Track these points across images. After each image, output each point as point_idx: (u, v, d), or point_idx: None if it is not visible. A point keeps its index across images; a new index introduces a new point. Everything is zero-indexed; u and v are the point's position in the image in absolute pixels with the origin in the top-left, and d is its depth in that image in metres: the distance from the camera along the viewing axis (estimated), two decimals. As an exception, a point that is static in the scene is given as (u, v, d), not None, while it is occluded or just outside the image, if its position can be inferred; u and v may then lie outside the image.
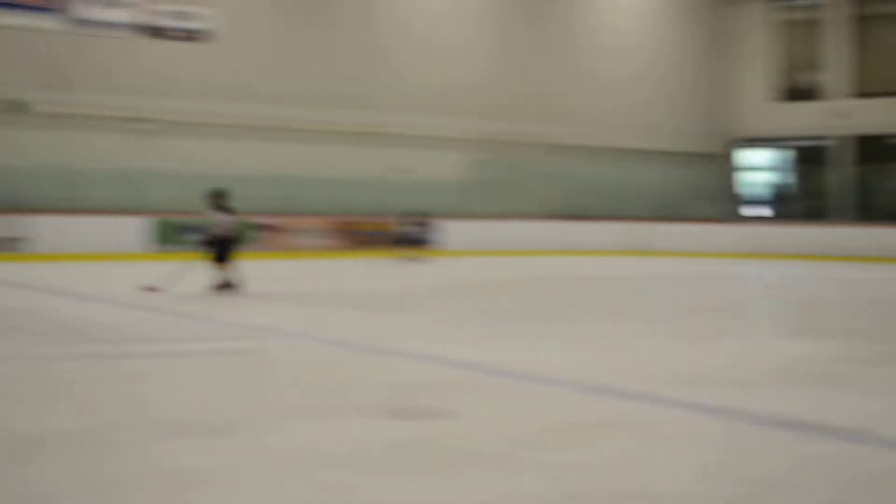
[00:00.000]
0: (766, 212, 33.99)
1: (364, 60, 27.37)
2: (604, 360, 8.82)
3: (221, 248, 14.49)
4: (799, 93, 33.52)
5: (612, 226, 29.33)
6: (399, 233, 24.63)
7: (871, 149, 31.66)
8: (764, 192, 34.89)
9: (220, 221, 14.60)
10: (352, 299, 14.32)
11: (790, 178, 34.95)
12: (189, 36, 24.02)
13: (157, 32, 23.62)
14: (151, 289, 13.84)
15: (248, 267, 20.31)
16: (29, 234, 21.22)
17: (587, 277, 20.03)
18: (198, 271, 14.65)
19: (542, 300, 15.20)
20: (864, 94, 31.91)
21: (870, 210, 30.34)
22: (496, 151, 29.33)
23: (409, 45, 28.22)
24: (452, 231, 26.69)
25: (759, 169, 35.26)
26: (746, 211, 33.96)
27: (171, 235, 22.51)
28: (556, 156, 30.48)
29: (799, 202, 33.03)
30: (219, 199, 14.86)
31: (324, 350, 9.42)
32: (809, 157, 33.57)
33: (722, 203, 32.74)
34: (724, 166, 34.22)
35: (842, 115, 31.57)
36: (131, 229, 22.20)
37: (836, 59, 32.43)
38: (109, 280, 16.81)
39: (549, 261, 24.25)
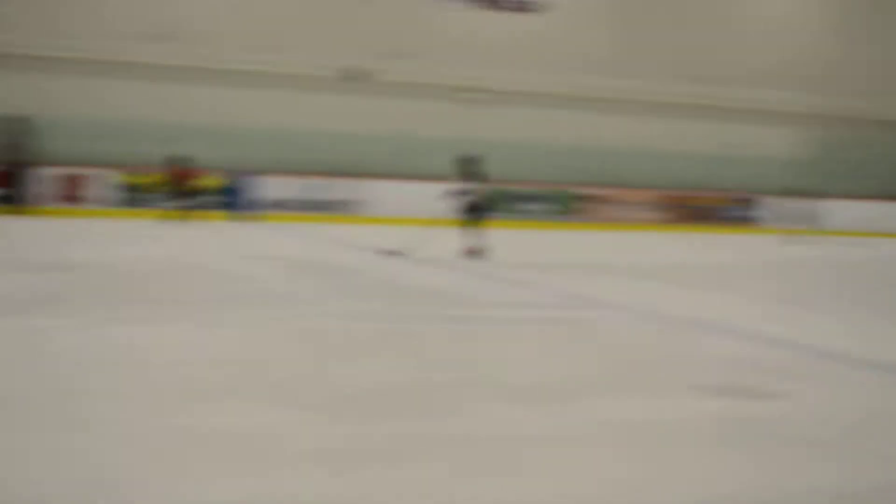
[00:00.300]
0: None
1: (697, 32, 26.60)
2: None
3: (474, 213, 14.82)
4: None
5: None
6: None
7: None
8: None
9: (472, 188, 14.85)
10: (682, 274, 13.97)
11: None
12: (523, 7, 24.24)
13: (493, 3, 24.01)
14: (392, 252, 14.22)
15: (571, 238, 20.48)
16: (365, 197, 22.29)
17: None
18: (447, 236, 14.95)
19: (871, 284, 14.20)
20: None
21: None
22: (829, 127, 27.70)
23: (742, 16, 27.14)
24: (777, 207, 25.49)
25: None
26: None
27: (496, 204, 22.90)
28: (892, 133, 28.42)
29: None
30: (470, 166, 14.98)
31: (648, 323, 9.20)
32: None
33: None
34: None
35: None
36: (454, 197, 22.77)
37: None
38: (438, 245, 17.32)
39: (884, 243, 22.63)
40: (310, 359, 6.79)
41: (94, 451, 4.40)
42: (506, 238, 19.46)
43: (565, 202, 24.08)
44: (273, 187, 21.48)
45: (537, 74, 24.81)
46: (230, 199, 21.23)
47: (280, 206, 21.60)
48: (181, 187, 19.29)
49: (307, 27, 23.17)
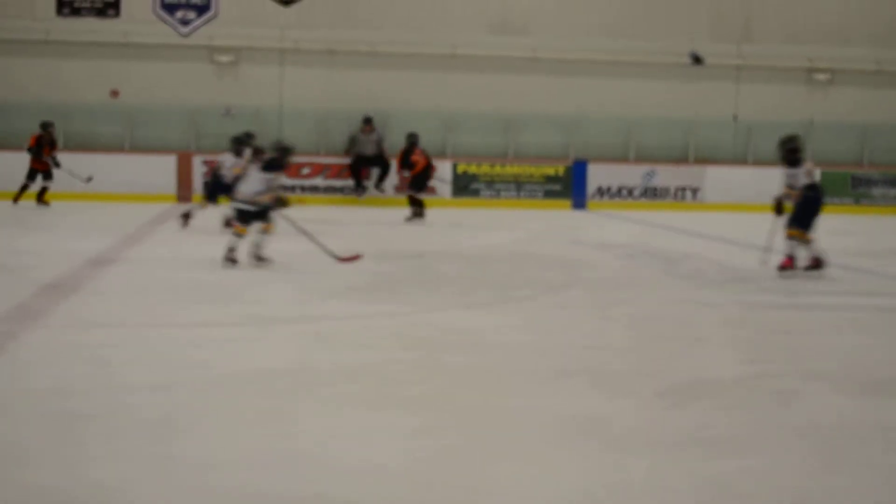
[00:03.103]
0: None
1: None
2: None
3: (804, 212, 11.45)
4: None
5: None
6: None
7: None
8: None
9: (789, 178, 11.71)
10: None
11: None
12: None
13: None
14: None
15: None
16: (701, 183, 22.20)
17: None
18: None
19: None
20: None
21: None
22: None
23: None
24: None
25: None
26: None
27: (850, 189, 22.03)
28: None
29: None
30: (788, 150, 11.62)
31: None
32: None
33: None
34: None
35: None
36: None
37: None
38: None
39: None
40: (648, 345, 7.14)
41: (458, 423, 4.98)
42: (852, 224, 18.81)
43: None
44: (607, 175, 21.81)
45: (886, 51, 23.54)
46: (569, 188, 21.76)
47: (613, 193, 21.92)
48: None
49: (646, 13, 23.24)
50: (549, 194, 21.58)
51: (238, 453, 4.32)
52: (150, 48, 21.40)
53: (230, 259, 10.50)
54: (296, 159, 17.69)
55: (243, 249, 10.57)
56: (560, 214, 19.53)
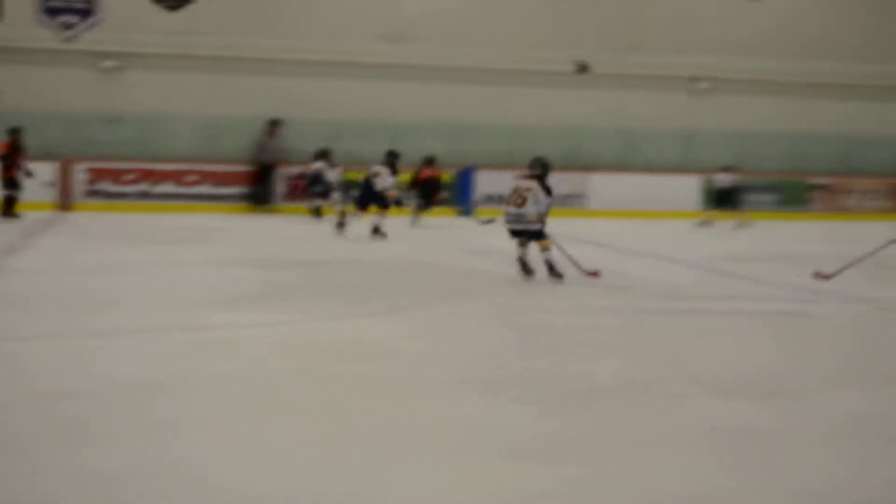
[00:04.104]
0: None
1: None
2: None
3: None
4: None
5: None
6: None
7: None
8: None
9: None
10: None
11: None
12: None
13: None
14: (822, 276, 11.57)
15: (806, 228, 20.08)
16: (586, 190, 22.54)
17: None
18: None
19: None
20: None
21: None
22: None
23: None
24: None
25: None
26: None
27: (738, 196, 22.54)
28: None
29: None
30: None
31: (879, 318, 9.13)
32: None
33: None
34: None
35: None
36: (683, 189, 22.65)
37: None
38: (661, 238, 17.40)
39: None
40: (539, 353, 7.22)
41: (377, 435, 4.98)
42: (736, 231, 19.29)
43: (798, 192, 23.56)
44: (491, 182, 21.94)
45: (764, 61, 24.26)
46: (456, 195, 21.84)
47: (501, 201, 22.08)
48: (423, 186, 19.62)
49: (535, 21, 23.52)
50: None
51: (118, 465, 4.24)
52: (32, 53, 20.82)
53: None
54: (181, 167, 17.49)
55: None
56: (448, 222, 19.61)
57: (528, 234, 10.94)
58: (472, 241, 15.82)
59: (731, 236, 17.86)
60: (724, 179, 20.69)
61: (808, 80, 24.52)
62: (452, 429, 4.97)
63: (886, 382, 6.27)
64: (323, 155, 19.40)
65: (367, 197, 16.05)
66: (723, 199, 20.60)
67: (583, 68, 23.37)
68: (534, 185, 10.96)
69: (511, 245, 11.00)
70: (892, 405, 5.70)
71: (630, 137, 23.54)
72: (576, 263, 10.98)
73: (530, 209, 10.84)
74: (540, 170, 11.17)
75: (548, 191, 10.99)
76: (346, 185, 19.55)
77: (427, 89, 22.69)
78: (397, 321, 8.28)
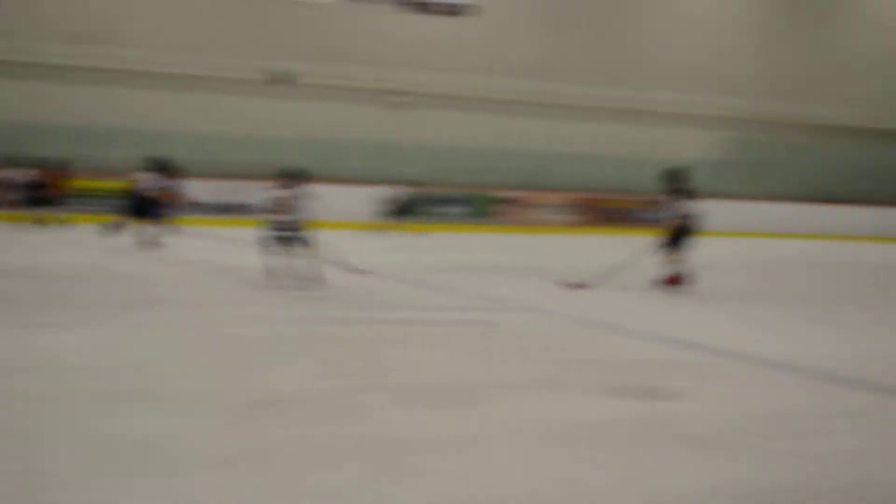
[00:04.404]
0: None
1: (622, 37, 27.10)
2: (841, 347, 8.49)
3: (674, 238, 12.50)
4: None
5: (866, 210, 27.91)
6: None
7: None
8: None
9: (677, 208, 12.58)
10: (591, 275, 14.29)
11: None
12: (452, 10, 24.39)
13: (422, 7, 24.13)
14: (578, 286, 12.21)
15: (489, 240, 20.77)
16: (255, 201, 22.36)
17: (833, 262, 19.22)
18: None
19: (782, 284, 14.71)
20: None
21: None
22: (749, 131, 28.40)
23: (668, 19, 27.69)
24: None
25: None
26: None
27: (419, 207, 23.02)
28: (813, 137, 29.22)
29: None
30: (676, 182, 12.74)
31: (560, 325, 9.49)
32: None
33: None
34: None
35: None
36: (379, 200, 22.90)
37: None
38: (357, 248, 17.49)
39: (796, 244, 23.36)
40: (223, 364, 6.97)
41: (13, 456, 4.56)
42: (423, 241, 19.69)
43: (483, 205, 24.40)
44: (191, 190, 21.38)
45: (462, 77, 25.07)
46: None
47: (197, 209, 21.53)
48: (49, 190, 18.68)
49: (232, 29, 23.16)
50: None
51: None
52: None
53: None
54: None
55: None
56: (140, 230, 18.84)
57: (295, 240, 11.40)
58: (161, 251, 15.24)
59: (421, 247, 18.20)
60: (403, 192, 21.43)
61: (501, 98, 25.52)
62: (118, 445, 4.66)
63: (565, 388, 6.48)
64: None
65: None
66: (403, 211, 21.33)
67: (281, 79, 23.19)
68: (295, 193, 11.55)
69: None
70: (573, 410, 5.87)
71: (324, 147, 23.56)
72: (342, 265, 11.70)
73: (297, 216, 11.43)
74: (300, 180, 11.72)
75: (308, 198, 11.61)
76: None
77: (127, 94, 21.80)
78: (73, 332, 7.76)
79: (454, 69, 25.03)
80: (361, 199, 22.51)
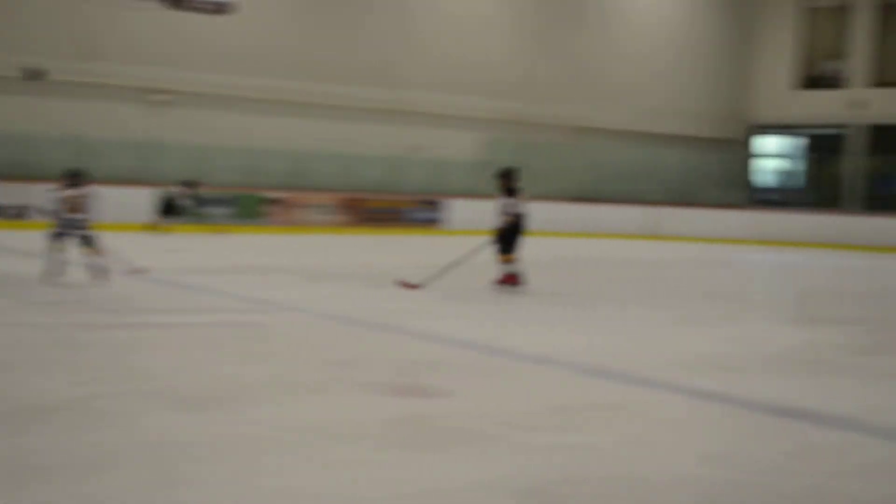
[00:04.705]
0: (780, 199, 33.84)
1: (382, 36, 27.27)
2: (607, 342, 8.88)
3: (506, 237, 12.84)
4: (819, 81, 33.27)
5: (627, 209, 29.34)
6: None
7: (888, 138, 31.43)
8: (778, 179, 34.78)
9: (508, 206, 12.94)
10: (359, 275, 14.37)
11: (803, 167, 34.82)
12: (214, 8, 23.85)
13: (182, 4, 23.46)
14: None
15: (256, 241, 20.52)
16: (41, 202, 21.31)
17: (596, 260, 20.07)
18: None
19: (548, 282, 15.22)
20: (883, 84, 31.69)
21: (881, 200, 30.37)
22: (512, 131, 29.23)
23: (428, 20, 28.10)
24: (461, 210, 26.72)
25: (775, 156, 35.16)
26: (760, 197, 33.86)
27: (189, 209, 22.43)
28: (574, 137, 30.41)
29: (811, 191, 32.96)
30: (508, 181, 13.12)
31: (327, 325, 9.49)
32: (825, 146, 33.42)
33: (737, 189, 32.62)
34: (741, 153, 34.12)
35: (859, 105, 31.44)
36: (143, 200, 22.19)
37: (858, 47, 32.20)
38: (115, 250, 16.87)
39: (560, 243, 24.27)
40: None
41: None
42: (189, 242, 19.25)
43: (252, 205, 24.08)
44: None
45: (226, 76, 24.60)
46: None
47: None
48: None
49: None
50: None
51: None
52: None
53: None
54: None
55: None
56: None
57: (83, 239, 11.64)
58: None
59: (189, 248, 17.80)
60: (177, 192, 21.03)
61: (265, 97, 25.24)
62: None
63: (334, 388, 6.47)
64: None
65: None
66: (170, 212, 21.01)
67: (34, 74, 22.10)
68: (83, 192, 11.86)
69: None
70: (341, 410, 5.87)
71: (84, 146, 22.61)
72: (119, 267, 11.86)
73: (86, 215, 11.72)
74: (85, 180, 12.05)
75: (93, 198, 11.94)
76: None
77: None
78: None
79: (218, 68, 24.56)
80: (132, 200, 21.71)
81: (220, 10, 23.56)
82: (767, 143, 35.06)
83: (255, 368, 7.02)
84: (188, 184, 21.29)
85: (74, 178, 11.97)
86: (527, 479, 4.60)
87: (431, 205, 26.46)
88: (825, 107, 32.36)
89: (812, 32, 33.49)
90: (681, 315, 11.33)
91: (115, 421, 5.34)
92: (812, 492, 4.63)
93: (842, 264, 21.39)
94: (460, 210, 26.56)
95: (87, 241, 11.68)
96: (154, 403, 5.76)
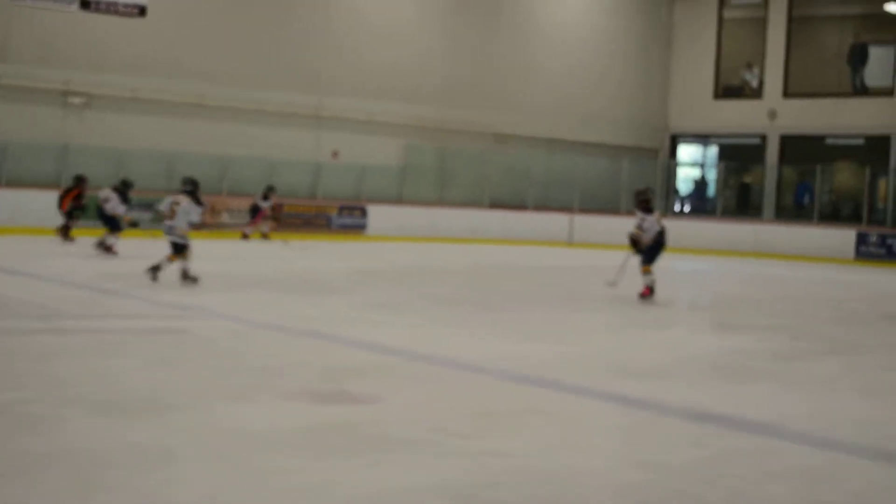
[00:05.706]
0: (694, 207, 34.42)
1: (304, 41, 27.11)
2: (533, 349, 8.95)
3: (651, 251, 14.20)
4: (736, 91, 33.94)
5: (548, 216, 29.60)
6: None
7: (801, 148, 32.20)
8: (694, 187, 35.34)
9: (646, 223, 14.11)
10: (282, 281, 14.26)
11: (719, 176, 35.44)
12: (125, 10, 23.50)
13: (93, 6, 23.06)
14: None
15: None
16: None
17: (519, 267, 20.20)
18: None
19: (468, 288, 15.28)
20: (794, 95, 32.44)
21: (792, 209, 31.16)
22: (432, 138, 29.28)
23: (350, 26, 28.01)
24: (384, 216, 26.71)
25: (691, 165, 35.75)
26: (677, 205, 34.40)
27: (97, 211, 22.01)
28: (494, 144, 30.56)
29: (725, 199, 33.56)
30: (645, 199, 14.42)
31: (252, 332, 9.41)
32: (738, 156, 34.11)
33: (656, 198, 33.01)
34: (659, 161, 34.62)
35: (773, 115, 32.18)
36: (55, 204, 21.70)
37: (772, 58, 32.90)
38: (35, 255, 16.56)
39: (476, 249, 24.39)
40: None
41: None
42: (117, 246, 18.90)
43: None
44: None
45: (145, 80, 24.11)
46: None
47: None
48: None
49: None
50: None
51: None
52: None
53: None
54: None
55: None
56: None
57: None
58: None
59: (109, 255, 17.49)
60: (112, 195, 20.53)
61: (182, 101, 24.94)
62: None
63: (261, 395, 6.43)
64: None
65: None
66: (104, 216, 20.41)
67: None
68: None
69: None
70: (270, 417, 5.83)
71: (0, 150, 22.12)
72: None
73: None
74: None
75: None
76: None
77: None
78: None
79: (137, 71, 24.13)
80: (34, 203, 21.24)
81: (131, 12, 23.21)
82: (687, 152, 35.66)
83: (177, 375, 6.94)
84: (124, 186, 20.43)
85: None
86: (456, 485, 4.63)
87: (355, 210, 26.41)
88: (742, 117, 33.02)
89: (729, 43, 34.15)
90: (604, 322, 11.48)
91: (34, 428, 5.24)
92: (733, 497, 4.72)
93: (756, 272, 21.83)
94: (382, 216, 26.58)
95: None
96: (74, 410, 5.67)
